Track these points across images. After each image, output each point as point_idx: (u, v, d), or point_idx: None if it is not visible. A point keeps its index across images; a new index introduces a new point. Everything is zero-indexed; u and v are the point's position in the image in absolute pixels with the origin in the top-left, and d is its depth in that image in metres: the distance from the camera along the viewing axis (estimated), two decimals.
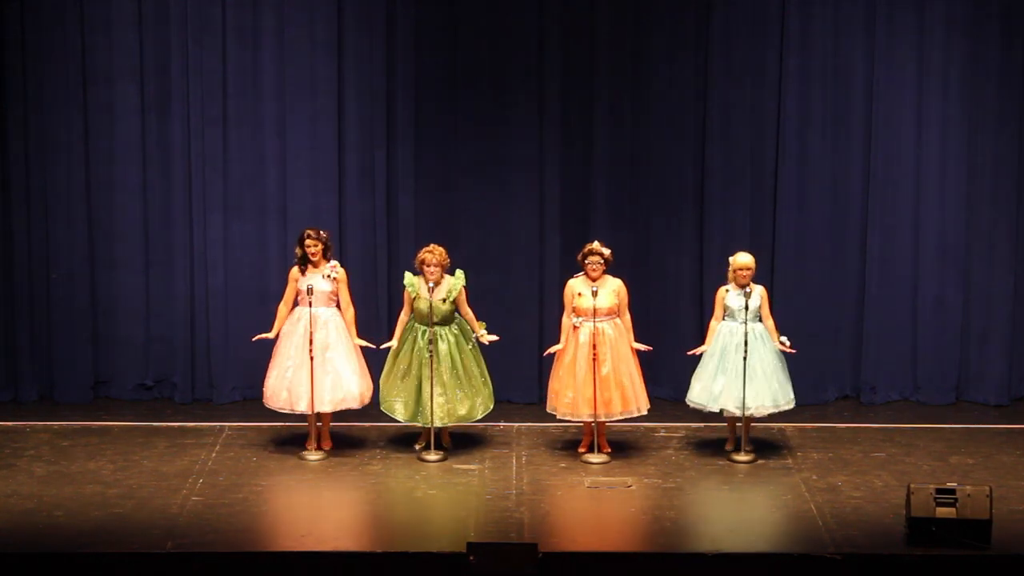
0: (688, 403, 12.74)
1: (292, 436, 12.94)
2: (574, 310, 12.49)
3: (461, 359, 12.57)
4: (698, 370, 12.65)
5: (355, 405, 12.72)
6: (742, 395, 12.38)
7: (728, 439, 12.79)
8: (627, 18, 13.79)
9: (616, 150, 13.93)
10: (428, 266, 12.48)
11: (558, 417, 12.67)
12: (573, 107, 13.89)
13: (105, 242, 13.97)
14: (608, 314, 12.46)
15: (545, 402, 12.87)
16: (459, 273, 12.61)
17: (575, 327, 12.48)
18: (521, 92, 13.82)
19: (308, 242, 12.59)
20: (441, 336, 12.52)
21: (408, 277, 12.59)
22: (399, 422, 12.75)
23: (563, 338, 12.58)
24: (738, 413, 12.47)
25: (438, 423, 12.52)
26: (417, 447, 12.73)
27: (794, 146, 13.88)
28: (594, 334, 12.41)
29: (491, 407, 12.76)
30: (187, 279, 13.98)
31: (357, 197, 13.95)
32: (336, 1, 13.73)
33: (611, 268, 12.55)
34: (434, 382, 12.44)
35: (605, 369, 12.40)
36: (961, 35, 13.73)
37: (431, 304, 12.44)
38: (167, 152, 13.86)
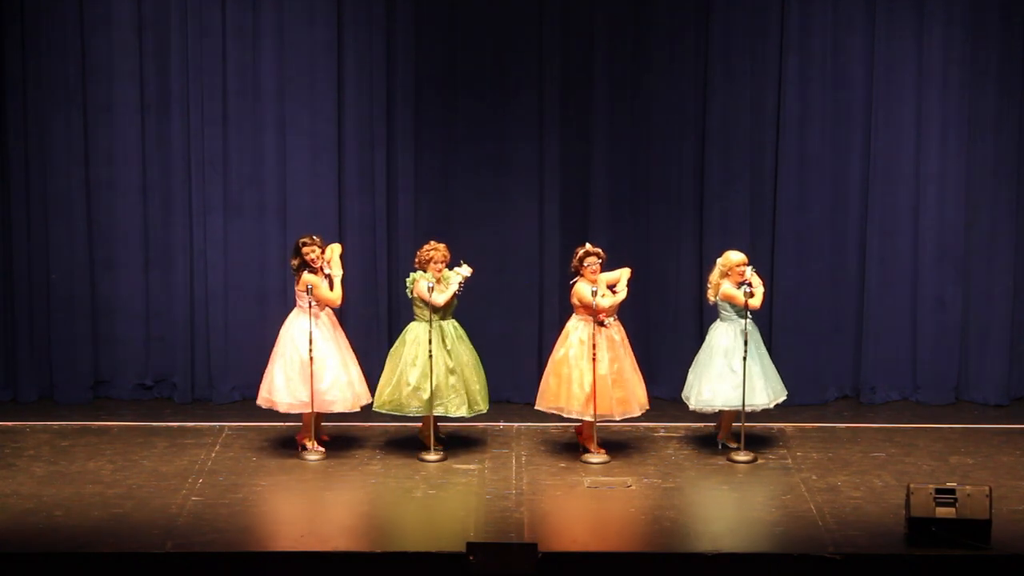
0: (694, 408, 12.75)
1: (292, 436, 12.92)
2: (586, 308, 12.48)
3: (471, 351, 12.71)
4: (702, 372, 12.66)
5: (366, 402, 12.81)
6: (742, 392, 12.44)
7: (721, 431, 12.80)
8: (627, 18, 13.79)
9: (616, 150, 13.93)
10: (436, 263, 12.50)
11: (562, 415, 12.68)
12: (573, 107, 13.88)
13: (105, 242, 13.96)
14: (613, 312, 12.47)
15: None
16: (455, 270, 12.61)
17: (607, 326, 12.46)
18: (521, 92, 13.82)
19: (306, 248, 12.52)
20: (456, 330, 12.56)
21: (420, 274, 12.51)
22: (424, 423, 12.75)
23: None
24: (736, 408, 12.53)
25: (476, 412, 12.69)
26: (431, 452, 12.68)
27: (794, 146, 13.88)
28: (594, 335, 12.41)
29: None
30: (187, 279, 13.97)
31: (357, 197, 13.95)
32: (336, 1, 13.73)
33: (608, 267, 12.60)
34: (471, 373, 12.58)
35: (602, 369, 12.40)
36: (961, 35, 13.73)
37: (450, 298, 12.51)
38: (167, 152, 13.85)
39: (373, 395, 12.81)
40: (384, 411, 12.64)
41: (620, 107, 13.89)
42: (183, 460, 12.54)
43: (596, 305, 12.35)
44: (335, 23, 13.74)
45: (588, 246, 12.55)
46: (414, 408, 12.53)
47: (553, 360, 12.64)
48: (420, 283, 12.47)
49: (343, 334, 12.76)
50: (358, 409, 12.74)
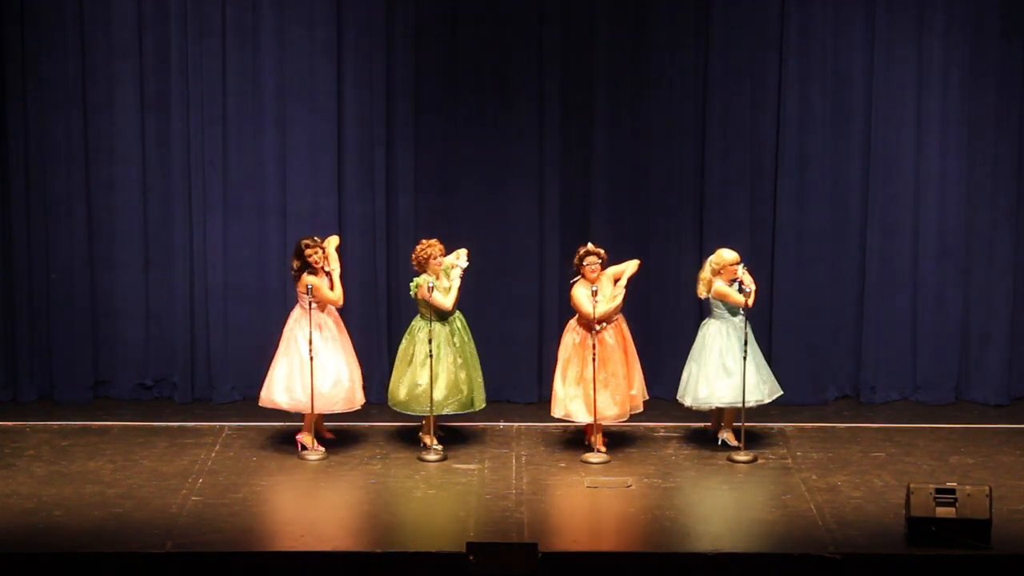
0: (690, 405, 12.77)
1: (292, 436, 12.91)
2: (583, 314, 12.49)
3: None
4: (699, 371, 12.66)
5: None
6: (742, 388, 12.44)
7: (721, 429, 12.80)
8: (627, 18, 13.79)
9: (616, 150, 13.93)
10: (435, 258, 12.51)
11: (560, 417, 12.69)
12: (573, 107, 13.88)
13: (105, 242, 13.96)
14: (609, 317, 12.47)
15: (545, 402, 12.88)
16: (451, 261, 12.63)
17: (600, 330, 12.45)
18: (521, 91, 13.82)
19: (309, 251, 12.52)
20: (462, 324, 12.57)
21: (424, 278, 12.49)
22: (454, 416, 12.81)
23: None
24: (736, 404, 12.52)
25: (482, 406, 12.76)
26: (428, 446, 12.67)
27: (794, 146, 13.87)
28: (589, 337, 12.41)
29: None
30: (187, 279, 13.97)
31: (357, 197, 13.95)
32: (336, 1, 13.73)
33: (607, 266, 12.61)
34: (473, 368, 12.63)
35: (601, 373, 12.41)
36: (961, 35, 13.73)
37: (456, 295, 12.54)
38: (167, 152, 13.85)
39: (371, 394, 12.82)
40: (398, 410, 12.66)
41: (620, 107, 13.88)
42: (183, 460, 12.54)
43: (591, 313, 12.35)
44: (335, 23, 13.74)
45: (589, 245, 12.56)
46: (427, 407, 12.51)
47: (557, 362, 12.67)
48: (424, 287, 12.46)
49: (347, 334, 12.75)
50: (356, 408, 12.74)
